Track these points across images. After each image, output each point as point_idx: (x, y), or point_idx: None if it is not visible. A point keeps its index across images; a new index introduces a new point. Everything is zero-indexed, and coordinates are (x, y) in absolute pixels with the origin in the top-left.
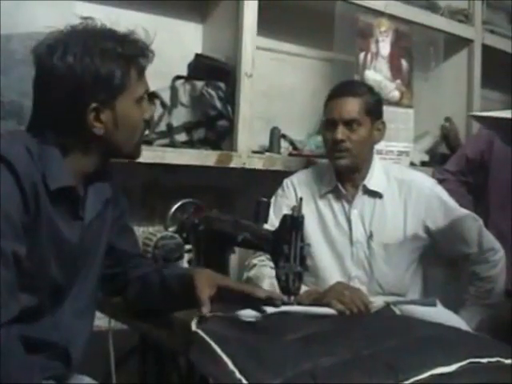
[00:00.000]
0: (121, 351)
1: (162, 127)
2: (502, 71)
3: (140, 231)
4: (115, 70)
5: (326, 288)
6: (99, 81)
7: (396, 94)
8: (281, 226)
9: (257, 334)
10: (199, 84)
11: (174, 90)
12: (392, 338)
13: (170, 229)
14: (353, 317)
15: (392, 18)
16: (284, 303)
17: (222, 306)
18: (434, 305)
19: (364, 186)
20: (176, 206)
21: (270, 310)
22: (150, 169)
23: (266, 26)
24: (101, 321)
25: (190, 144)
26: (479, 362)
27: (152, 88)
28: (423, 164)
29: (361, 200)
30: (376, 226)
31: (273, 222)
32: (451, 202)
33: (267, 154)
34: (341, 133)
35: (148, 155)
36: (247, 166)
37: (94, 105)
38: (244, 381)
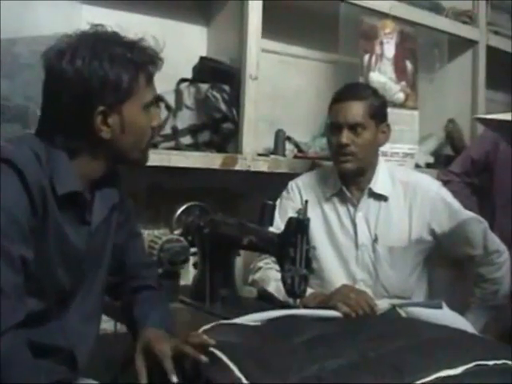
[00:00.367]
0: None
1: (167, 130)
2: (507, 72)
3: (145, 234)
4: (123, 75)
5: (332, 290)
6: (107, 84)
7: (401, 96)
8: (286, 229)
9: (262, 338)
10: (204, 87)
11: (178, 92)
12: (398, 340)
13: (176, 232)
14: (358, 319)
15: (396, 19)
16: (289, 306)
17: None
18: (440, 307)
19: (369, 190)
20: (181, 209)
21: (275, 313)
22: (155, 172)
23: (271, 28)
24: (106, 324)
25: (195, 147)
26: (485, 365)
27: (157, 91)
28: (428, 166)
29: (366, 203)
30: (381, 229)
31: (278, 225)
32: (456, 204)
33: (272, 156)
34: (346, 137)
35: (153, 158)
36: (252, 169)
37: (101, 108)
38: None
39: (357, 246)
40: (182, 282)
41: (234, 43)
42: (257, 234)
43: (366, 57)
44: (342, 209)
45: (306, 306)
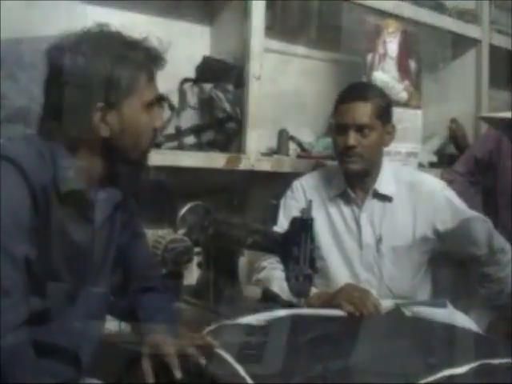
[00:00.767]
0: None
1: (171, 130)
2: (510, 71)
3: (149, 234)
4: (124, 73)
5: (336, 289)
6: (107, 81)
7: (404, 95)
8: (290, 229)
9: (267, 338)
10: (207, 86)
11: (182, 92)
12: (402, 340)
13: (179, 231)
14: (363, 318)
15: (399, 18)
16: (294, 306)
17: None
18: (445, 306)
19: (374, 190)
20: (185, 209)
21: (280, 313)
22: (158, 171)
23: (274, 27)
24: (111, 323)
25: (198, 146)
26: (490, 364)
27: (160, 90)
28: (431, 165)
29: (370, 204)
30: (385, 230)
31: (282, 224)
32: (460, 204)
33: (275, 156)
34: (353, 138)
35: (157, 158)
36: (256, 169)
37: (99, 104)
38: None
39: (361, 246)
40: (186, 282)
41: (237, 43)
42: (261, 233)
43: (369, 56)
44: (346, 209)
45: (310, 306)
